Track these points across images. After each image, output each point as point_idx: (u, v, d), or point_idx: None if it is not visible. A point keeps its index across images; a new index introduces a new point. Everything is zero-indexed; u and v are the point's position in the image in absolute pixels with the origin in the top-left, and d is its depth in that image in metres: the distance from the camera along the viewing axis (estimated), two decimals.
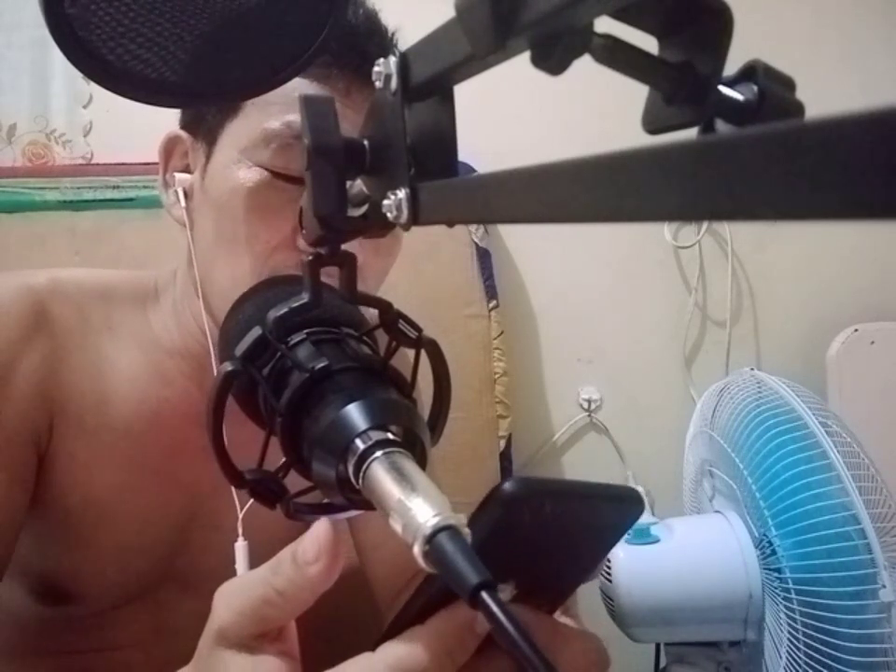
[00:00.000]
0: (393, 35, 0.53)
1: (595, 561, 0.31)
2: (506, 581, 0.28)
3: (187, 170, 0.56)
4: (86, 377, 0.57)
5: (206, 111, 0.53)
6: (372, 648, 0.27)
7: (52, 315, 0.56)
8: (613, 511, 0.29)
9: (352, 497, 0.29)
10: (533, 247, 1.23)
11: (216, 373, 0.53)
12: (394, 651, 0.27)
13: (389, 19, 0.53)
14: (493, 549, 0.26)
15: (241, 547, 0.49)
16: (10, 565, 0.54)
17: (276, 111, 0.49)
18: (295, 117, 0.48)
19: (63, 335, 0.56)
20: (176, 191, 0.55)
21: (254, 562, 0.49)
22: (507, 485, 0.26)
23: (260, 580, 0.29)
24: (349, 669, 0.27)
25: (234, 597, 0.29)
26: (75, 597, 0.60)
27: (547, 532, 0.28)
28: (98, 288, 0.59)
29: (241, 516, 0.51)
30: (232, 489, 0.51)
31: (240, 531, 0.51)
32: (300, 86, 0.47)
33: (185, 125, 0.56)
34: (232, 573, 0.48)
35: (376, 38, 0.51)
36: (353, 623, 0.66)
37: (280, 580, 0.28)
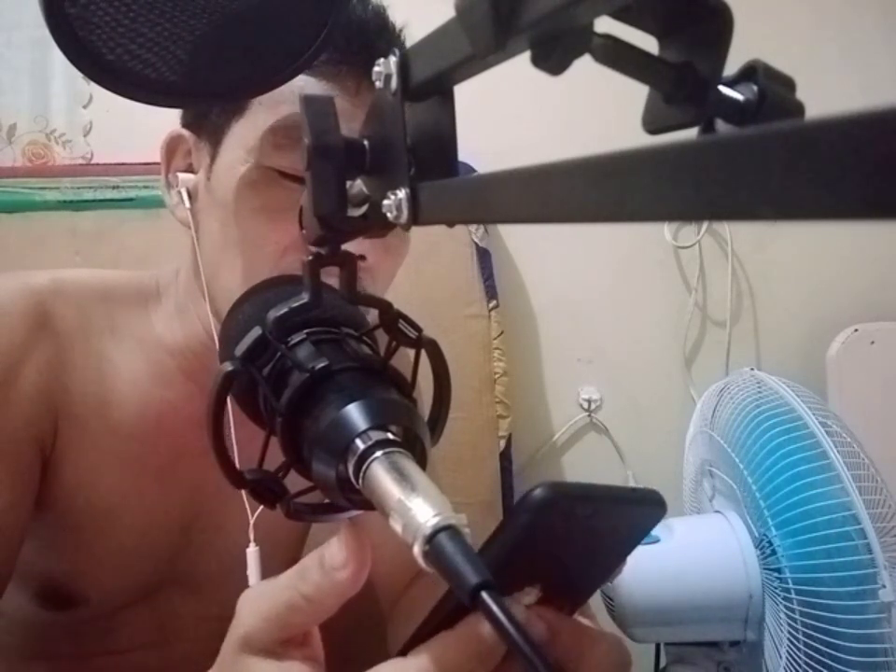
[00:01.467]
0: (401, 31, 0.52)
1: (617, 563, 0.32)
2: (533, 584, 0.28)
3: (190, 170, 0.55)
4: (89, 379, 0.56)
5: (210, 110, 0.52)
6: (401, 652, 0.27)
7: (55, 317, 0.56)
8: (638, 514, 0.30)
9: (352, 497, 0.29)
10: (533, 247, 1.23)
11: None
12: (425, 656, 0.27)
13: (395, 17, 0.53)
14: (522, 553, 0.26)
15: (252, 553, 0.49)
16: (14, 568, 0.54)
17: (285, 110, 0.48)
18: None
19: (66, 337, 0.56)
20: (180, 192, 0.54)
21: (264, 563, 0.49)
22: (538, 491, 0.26)
23: (287, 585, 0.28)
24: None
25: (260, 603, 0.29)
26: (78, 601, 0.59)
27: (574, 536, 0.28)
28: (100, 289, 0.59)
29: (252, 522, 0.51)
30: (243, 494, 0.51)
31: (251, 537, 0.50)
32: (308, 85, 0.47)
33: (187, 124, 0.55)
34: (235, 576, 0.48)
35: (385, 35, 0.50)
36: (356, 622, 0.66)
37: (307, 585, 0.28)
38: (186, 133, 0.55)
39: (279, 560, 0.30)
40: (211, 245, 0.53)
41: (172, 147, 0.56)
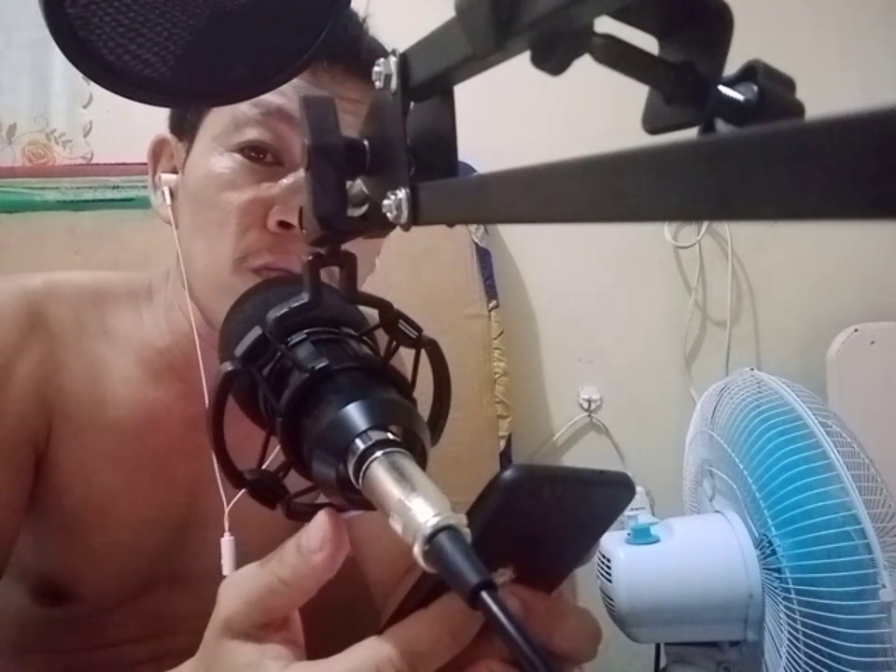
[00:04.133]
0: (364, 20, 0.53)
1: (589, 545, 0.33)
2: (506, 565, 0.29)
3: (174, 171, 0.57)
4: (82, 379, 0.57)
5: (188, 111, 0.54)
6: (379, 632, 0.28)
7: (48, 318, 0.56)
8: (606, 496, 0.31)
9: (352, 496, 0.29)
10: (533, 247, 1.23)
11: (202, 365, 0.53)
12: (399, 633, 0.27)
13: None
14: (494, 534, 0.27)
15: (227, 542, 0.49)
16: (9, 566, 0.54)
17: None
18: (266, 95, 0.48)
19: (59, 338, 0.57)
20: (163, 192, 0.56)
21: (247, 558, 0.49)
22: (508, 472, 0.27)
23: (266, 570, 0.29)
24: (358, 652, 0.28)
25: (240, 588, 0.30)
26: (73, 598, 0.60)
27: (545, 517, 0.29)
28: (93, 290, 0.60)
29: (227, 511, 0.51)
30: (219, 484, 0.51)
31: (226, 526, 0.51)
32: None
33: (171, 128, 0.57)
34: None
35: (350, 28, 0.51)
36: (350, 611, 0.66)
37: (285, 569, 0.29)
38: (169, 136, 0.57)
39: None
40: (185, 235, 0.54)
41: (157, 150, 0.58)
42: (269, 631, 0.29)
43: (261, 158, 0.50)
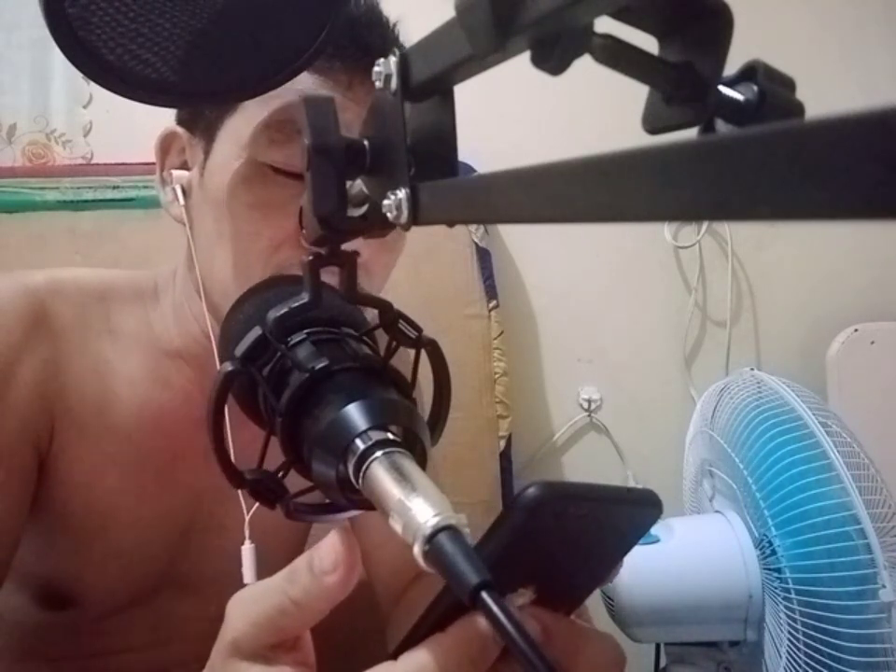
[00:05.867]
0: (395, 26, 0.52)
1: (613, 564, 0.31)
2: (526, 585, 0.27)
3: (184, 167, 0.55)
4: (86, 381, 0.56)
5: (190, 110, 0.52)
6: (392, 655, 0.27)
7: (52, 317, 0.55)
8: (633, 515, 0.29)
9: (352, 497, 0.29)
10: (533, 247, 1.23)
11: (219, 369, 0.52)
12: (416, 659, 0.26)
13: (390, 14, 0.53)
14: (515, 554, 0.26)
15: (248, 550, 0.49)
16: (12, 570, 0.53)
17: (276, 105, 0.48)
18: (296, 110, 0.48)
19: (64, 338, 0.55)
20: (174, 189, 0.54)
21: (259, 566, 0.49)
22: (530, 491, 0.26)
23: (276, 589, 0.28)
24: None
25: (249, 607, 0.28)
26: (77, 603, 0.59)
27: (568, 536, 0.28)
28: (98, 289, 0.58)
29: (248, 519, 0.51)
30: (239, 492, 0.51)
31: (247, 534, 0.50)
32: (300, 78, 0.47)
33: (181, 121, 0.55)
34: (234, 577, 0.48)
35: (378, 30, 0.50)
36: (359, 630, 0.66)
37: (296, 589, 0.27)
38: (180, 129, 0.55)
39: (279, 560, 0.30)
40: (205, 241, 0.53)
41: (166, 144, 0.56)
42: (279, 652, 0.28)
43: (293, 172, 0.48)
